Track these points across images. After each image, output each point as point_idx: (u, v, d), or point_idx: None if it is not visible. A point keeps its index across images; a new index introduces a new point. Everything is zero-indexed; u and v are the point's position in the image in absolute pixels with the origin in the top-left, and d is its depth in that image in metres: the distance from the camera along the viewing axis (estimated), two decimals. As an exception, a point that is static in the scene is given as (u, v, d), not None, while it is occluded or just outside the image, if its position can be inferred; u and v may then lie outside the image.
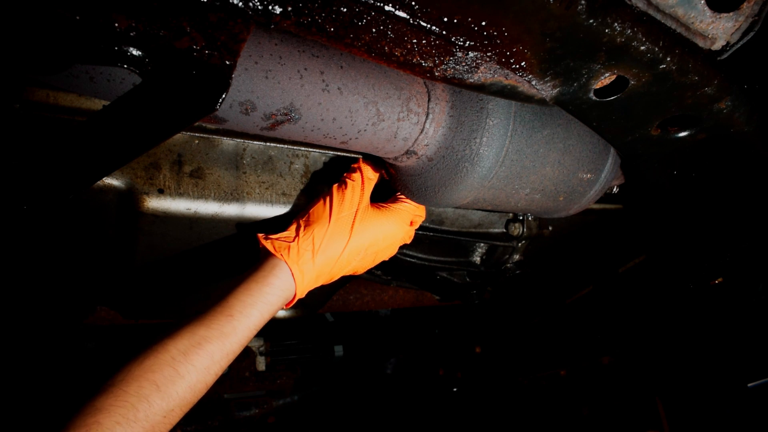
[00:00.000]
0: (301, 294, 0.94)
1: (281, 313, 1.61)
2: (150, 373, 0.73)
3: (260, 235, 0.95)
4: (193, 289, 1.35)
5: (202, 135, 1.02)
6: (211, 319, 0.81)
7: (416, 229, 1.20)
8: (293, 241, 0.94)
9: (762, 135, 0.89)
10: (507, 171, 0.90)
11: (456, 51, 0.67)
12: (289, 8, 0.58)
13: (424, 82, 0.91)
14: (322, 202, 0.99)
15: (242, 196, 1.06)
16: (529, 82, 0.73)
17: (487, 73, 0.71)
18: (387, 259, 1.11)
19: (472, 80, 0.72)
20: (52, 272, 1.18)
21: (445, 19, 0.61)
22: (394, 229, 1.04)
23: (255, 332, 0.87)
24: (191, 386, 0.76)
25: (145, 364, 0.73)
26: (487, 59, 0.68)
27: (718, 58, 0.75)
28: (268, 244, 0.93)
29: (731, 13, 0.71)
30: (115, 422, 0.67)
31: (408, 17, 0.61)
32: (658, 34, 0.67)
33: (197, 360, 0.77)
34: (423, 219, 1.13)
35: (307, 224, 0.96)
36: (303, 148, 1.12)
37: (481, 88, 0.74)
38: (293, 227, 0.97)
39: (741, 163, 0.95)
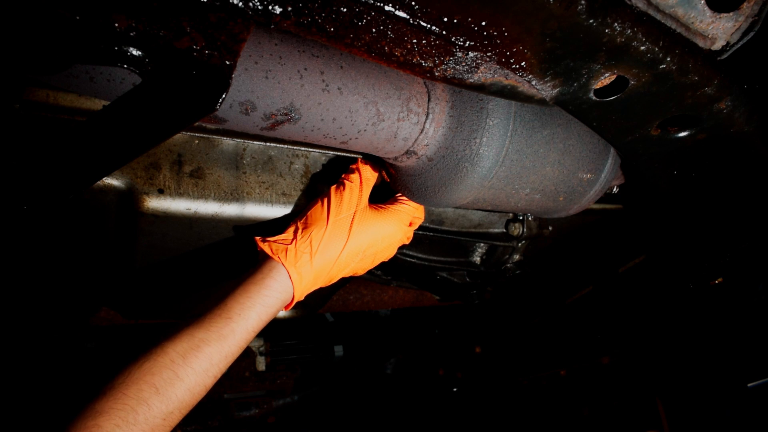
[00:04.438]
0: (300, 296, 0.94)
1: (281, 314, 1.61)
2: (149, 376, 0.73)
3: (258, 237, 0.95)
4: (193, 289, 1.35)
5: (202, 135, 1.02)
6: (210, 322, 0.81)
7: (416, 229, 1.20)
8: (291, 243, 0.93)
9: (762, 135, 0.89)
10: (507, 171, 0.90)
11: (456, 51, 0.67)
12: (289, 8, 0.58)
13: (424, 82, 0.91)
14: (320, 203, 0.99)
15: (242, 196, 1.06)
16: (529, 82, 0.73)
17: (487, 73, 0.71)
18: (386, 260, 1.11)
19: (472, 80, 0.72)
20: (51, 272, 1.18)
21: (445, 19, 0.61)
22: (392, 230, 1.04)
23: (254, 335, 0.87)
24: (190, 389, 0.76)
25: (144, 366, 0.73)
26: (487, 59, 0.68)
27: (718, 58, 0.76)
28: (265, 247, 0.93)
29: (731, 13, 0.71)
30: (114, 425, 0.67)
31: (408, 17, 0.61)
32: (658, 34, 0.68)
33: (196, 363, 0.77)
34: (422, 220, 1.13)
35: (305, 226, 0.96)
36: (303, 148, 1.12)
37: (481, 88, 0.74)
38: (291, 229, 0.97)
39: (741, 163, 0.95)
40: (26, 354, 1.60)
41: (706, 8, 0.70)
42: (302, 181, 1.12)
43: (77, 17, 0.52)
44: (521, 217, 1.32)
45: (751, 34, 0.72)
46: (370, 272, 1.63)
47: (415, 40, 0.65)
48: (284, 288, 0.91)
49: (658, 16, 0.69)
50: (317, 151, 1.14)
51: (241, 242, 1.13)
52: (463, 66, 0.69)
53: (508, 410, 2.71)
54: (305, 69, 0.75)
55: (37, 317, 1.36)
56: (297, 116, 0.78)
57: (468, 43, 0.65)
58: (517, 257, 1.42)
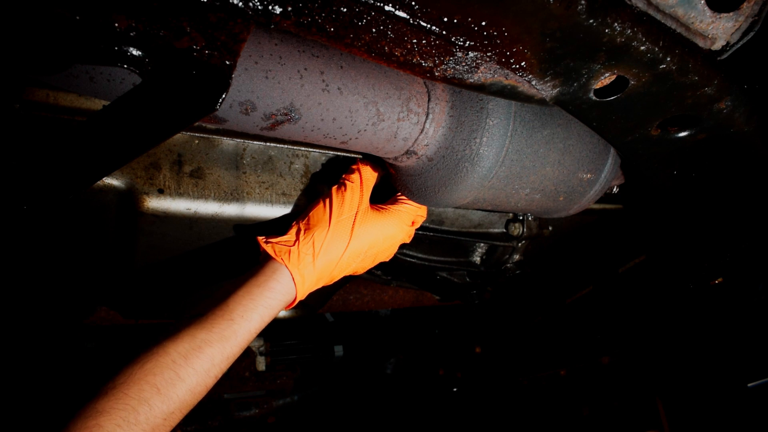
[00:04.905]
0: (302, 297, 0.94)
1: (281, 313, 1.61)
2: (151, 376, 0.73)
3: (260, 238, 0.95)
4: (194, 289, 1.35)
5: (202, 135, 1.02)
6: (212, 323, 0.81)
7: (416, 229, 1.20)
8: (293, 245, 0.94)
9: (762, 135, 0.89)
10: (507, 171, 0.90)
11: (456, 51, 0.67)
12: (289, 8, 0.58)
13: (424, 82, 0.91)
14: (321, 205, 0.99)
15: (242, 196, 1.06)
16: (529, 82, 0.73)
17: (487, 73, 0.71)
18: (387, 260, 1.11)
19: (472, 80, 0.72)
20: (52, 272, 1.18)
21: (445, 19, 0.61)
22: (394, 230, 1.04)
23: (255, 335, 0.87)
24: (191, 389, 0.76)
25: (146, 367, 0.73)
26: (487, 59, 0.68)
27: (718, 58, 0.76)
28: (268, 248, 0.93)
29: (731, 13, 0.71)
30: (115, 425, 0.67)
31: (408, 17, 0.61)
32: (658, 34, 0.68)
33: (198, 363, 0.77)
34: (424, 219, 1.13)
35: (307, 228, 0.96)
36: (303, 148, 1.12)
37: (481, 88, 0.74)
38: (293, 231, 0.97)
39: (741, 163, 0.95)
40: (26, 354, 1.60)
41: (706, 8, 0.70)
42: (302, 181, 1.12)
43: (77, 17, 0.52)
44: (521, 217, 1.32)
45: (751, 34, 0.72)
46: (370, 272, 1.63)
47: (415, 40, 0.65)
48: (287, 289, 0.91)
49: (658, 16, 0.69)
50: (317, 151, 1.14)
51: (241, 242, 1.13)
52: (463, 66, 0.69)
53: (508, 410, 2.71)
54: (305, 69, 0.75)
55: (37, 317, 1.36)
56: (297, 116, 0.78)
57: (468, 43, 0.65)
58: (517, 257, 1.42)
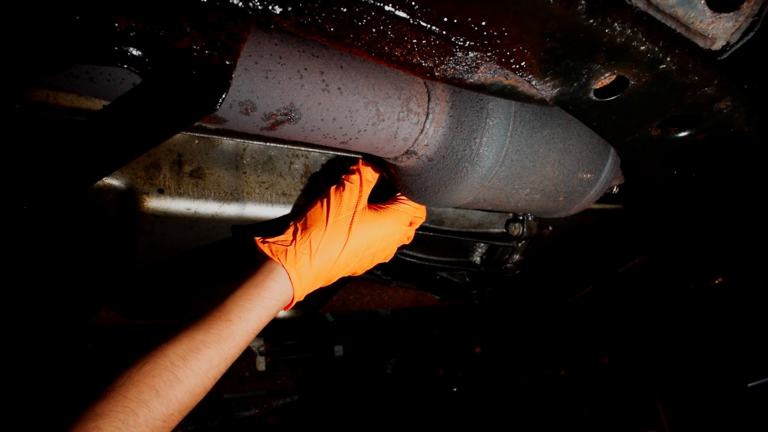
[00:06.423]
0: (299, 297, 0.94)
1: (281, 313, 1.61)
2: (149, 378, 0.73)
3: (257, 238, 0.95)
4: (193, 289, 1.35)
5: (202, 135, 1.02)
6: (210, 324, 0.81)
7: (416, 229, 1.20)
8: (290, 244, 0.94)
9: (762, 135, 0.89)
10: (507, 171, 0.90)
11: (456, 51, 0.67)
12: (289, 8, 0.58)
13: (424, 82, 0.91)
14: (319, 204, 0.99)
15: (242, 196, 1.06)
16: (529, 82, 0.73)
17: (487, 73, 0.71)
18: (386, 260, 1.11)
19: (472, 80, 0.72)
20: (52, 272, 1.18)
21: (445, 19, 0.61)
22: (391, 229, 1.04)
23: (253, 336, 0.87)
24: (190, 391, 0.76)
25: (144, 369, 0.73)
26: (487, 59, 0.68)
27: (718, 58, 0.76)
28: (265, 248, 0.93)
29: (731, 13, 0.71)
30: (115, 427, 0.67)
31: (408, 17, 0.61)
32: (658, 34, 0.68)
33: (196, 365, 0.77)
34: (423, 219, 1.12)
35: (305, 227, 0.96)
36: (303, 148, 1.12)
37: (481, 88, 0.74)
38: (290, 230, 0.97)
39: (741, 163, 0.95)
40: (26, 354, 1.60)
41: (706, 8, 0.70)
42: (302, 181, 1.13)
43: (77, 17, 0.52)
44: (521, 217, 1.32)
45: (751, 34, 0.72)
46: (370, 272, 1.63)
47: (415, 40, 0.65)
48: (284, 289, 0.91)
49: (658, 16, 0.69)
50: (317, 151, 1.14)
51: (241, 242, 1.13)
52: (463, 66, 0.69)
53: (508, 410, 2.71)
54: (305, 69, 0.75)
55: (37, 317, 1.36)
56: (297, 116, 0.78)
57: (468, 43, 0.65)
58: (517, 257, 1.42)
